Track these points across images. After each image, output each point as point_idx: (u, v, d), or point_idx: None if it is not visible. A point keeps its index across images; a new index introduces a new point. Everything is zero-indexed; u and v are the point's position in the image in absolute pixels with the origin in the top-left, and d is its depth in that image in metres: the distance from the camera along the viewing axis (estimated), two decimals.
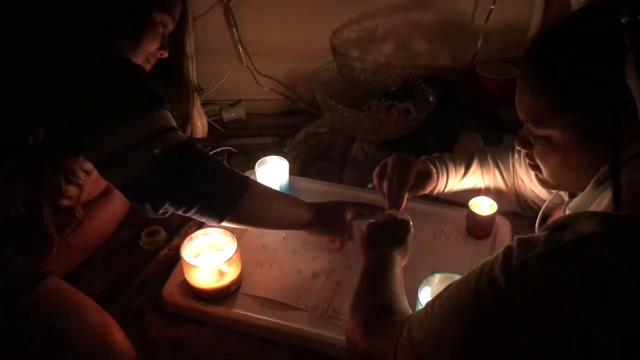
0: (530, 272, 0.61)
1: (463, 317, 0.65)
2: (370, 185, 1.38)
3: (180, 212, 0.94)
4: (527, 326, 0.59)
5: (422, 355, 0.69)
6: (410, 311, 0.86)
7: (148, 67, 1.10)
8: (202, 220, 0.98)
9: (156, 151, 0.88)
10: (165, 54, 1.11)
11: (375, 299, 0.88)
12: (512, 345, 0.60)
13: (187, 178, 0.92)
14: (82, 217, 1.07)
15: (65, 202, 1.01)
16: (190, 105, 1.43)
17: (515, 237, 0.67)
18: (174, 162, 0.90)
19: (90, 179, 1.08)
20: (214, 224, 0.99)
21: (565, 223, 0.64)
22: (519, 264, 0.62)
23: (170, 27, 1.08)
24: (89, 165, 1.04)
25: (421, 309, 0.75)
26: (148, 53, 1.07)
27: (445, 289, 0.72)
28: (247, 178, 1.02)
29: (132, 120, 0.88)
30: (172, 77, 1.19)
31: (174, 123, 0.94)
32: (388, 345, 0.76)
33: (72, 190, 1.01)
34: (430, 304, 0.72)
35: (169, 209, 0.93)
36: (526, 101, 0.83)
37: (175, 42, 1.15)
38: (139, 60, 1.06)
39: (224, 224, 0.99)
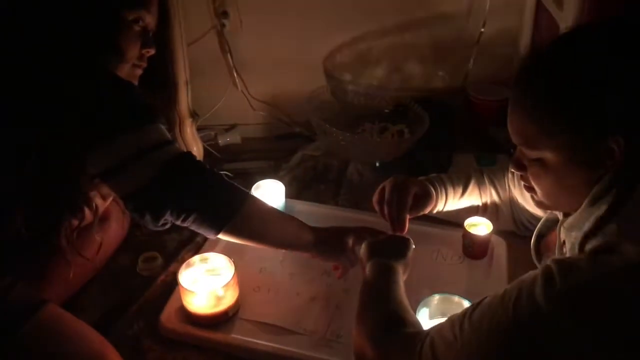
0: (578, 299, 0.62)
1: (500, 341, 0.66)
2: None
3: (178, 222, 0.95)
4: (571, 352, 0.60)
5: None
6: (420, 322, 0.85)
7: (139, 72, 1.07)
8: (200, 231, 0.98)
9: (154, 164, 0.91)
10: (152, 51, 1.05)
11: (383, 308, 0.88)
12: None
13: (185, 187, 0.94)
14: (100, 239, 1.09)
15: (74, 222, 1.01)
16: (174, 99, 1.44)
17: (551, 259, 0.67)
18: (172, 173, 0.92)
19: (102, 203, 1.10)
20: (211, 236, 0.99)
21: (607, 246, 0.66)
22: (566, 289, 0.63)
23: (149, 21, 1.03)
24: (105, 191, 1.05)
25: (444, 326, 0.74)
26: (133, 58, 1.02)
27: (474, 308, 0.72)
28: (246, 192, 1.03)
29: (127, 136, 0.90)
30: (153, 73, 1.13)
31: (169, 136, 0.96)
32: (404, 359, 0.75)
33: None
34: (458, 324, 0.72)
35: (168, 220, 0.94)
36: (517, 124, 0.84)
37: (158, 38, 1.08)
38: (126, 68, 1.02)
39: (221, 236, 0.99)
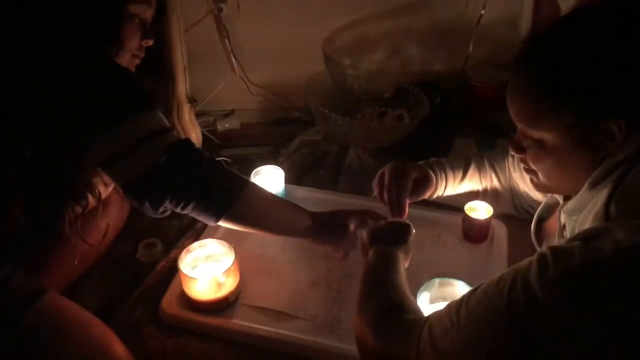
0: (572, 284, 0.62)
1: (495, 328, 0.66)
2: (374, 195, 1.37)
3: (178, 210, 0.95)
4: (567, 338, 0.61)
5: None
6: (420, 309, 0.86)
7: (137, 62, 1.08)
8: (200, 218, 0.99)
9: (153, 152, 0.90)
10: (151, 42, 1.07)
11: (384, 295, 0.88)
12: (548, 357, 0.62)
13: (184, 175, 0.94)
14: (106, 226, 1.09)
15: (78, 209, 1.01)
16: (172, 85, 1.46)
17: (547, 246, 0.67)
18: (171, 161, 0.92)
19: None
20: (211, 223, 1.00)
21: (598, 232, 0.66)
22: (559, 275, 0.63)
23: (149, 14, 1.05)
24: (107, 178, 1.05)
25: (442, 313, 0.74)
26: (133, 48, 1.05)
27: (471, 294, 0.72)
28: (245, 179, 1.03)
29: (125, 124, 0.90)
30: (151, 59, 1.14)
31: (167, 124, 0.96)
32: (404, 346, 0.75)
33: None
34: (455, 311, 0.72)
35: (168, 207, 0.94)
36: (518, 103, 0.83)
37: (156, 25, 1.10)
38: (125, 58, 1.04)
39: (221, 223, 0.99)
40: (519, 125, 0.86)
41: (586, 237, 0.66)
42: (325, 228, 1.13)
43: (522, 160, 0.91)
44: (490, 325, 0.66)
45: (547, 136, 0.81)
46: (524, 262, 0.68)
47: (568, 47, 0.76)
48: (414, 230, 1.07)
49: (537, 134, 0.82)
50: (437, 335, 0.72)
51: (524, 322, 0.63)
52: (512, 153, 0.91)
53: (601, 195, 0.76)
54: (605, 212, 0.74)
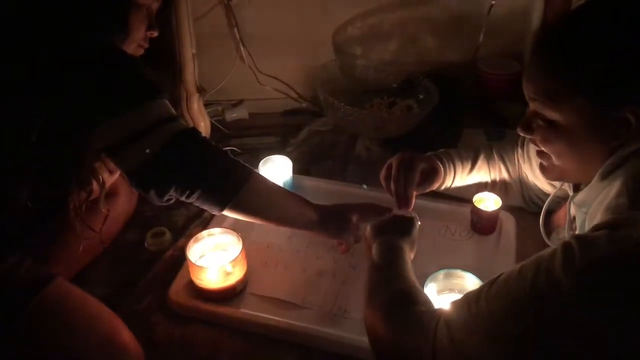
0: (599, 275, 0.61)
1: (517, 317, 0.65)
2: (364, 187, 1.37)
3: (183, 198, 0.96)
4: (593, 329, 0.60)
5: (469, 355, 0.68)
6: (430, 300, 0.85)
7: (141, 52, 1.09)
8: (204, 207, 0.99)
9: (159, 140, 0.91)
10: (156, 34, 1.08)
11: (393, 286, 0.87)
12: (573, 348, 0.61)
13: (190, 163, 0.94)
14: (107, 212, 1.09)
15: (83, 196, 1.02)
16: (181, 75, 1.47)
17: (572, 235, 0.67)
18: (177, 149, 0.93)
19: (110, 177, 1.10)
20: (215, 212, 1.00)
21: (623, 221, 0.65)
22: (585, 265, 0.62)
23: (155, 5, 1.06)
24: (112, 165, 1.06)
25: (459, 304, 0.74)
26: (138, 39, 1.05)
27: (490, 285, 0.71)
28: (250, 169, 1.03)
29: (132, 111, 0.90)
30: (160, 48, 1.16)
31: (174, 112, 0.96)
32: (419, 338, 0.75)
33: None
34: (474, 300, 0.71)
35: (173, 196, 0.95)
36: (535, 79, 0.81)
37: (164, 14, 1.13)
38: (131, 47, 1.05)
39: (225, 212, 1.00)
40: (533, 104, 0.84)
41: (611, 227, 0.65)
42: (329, 221, 1.13)
43: (532, 142, 0.90)
44: (512, 315, 0.65)
45: (560, 118, 0.79)
46: (547, 251, 0.67)
47: (589, 29, 0.75)
48: (419, 223, 1.07)
49: (550, 114, 0.81)
50: (455, 327, 0.71)
51: (548, 311, 0.63)
52: (520, 133, 0.89)
53: (613, 187, 0.75)
54: (619, 205, 0.72)
